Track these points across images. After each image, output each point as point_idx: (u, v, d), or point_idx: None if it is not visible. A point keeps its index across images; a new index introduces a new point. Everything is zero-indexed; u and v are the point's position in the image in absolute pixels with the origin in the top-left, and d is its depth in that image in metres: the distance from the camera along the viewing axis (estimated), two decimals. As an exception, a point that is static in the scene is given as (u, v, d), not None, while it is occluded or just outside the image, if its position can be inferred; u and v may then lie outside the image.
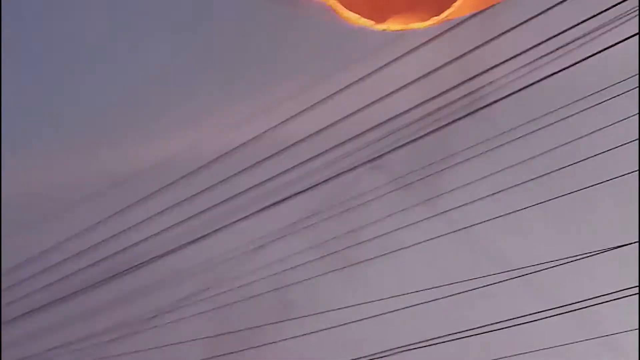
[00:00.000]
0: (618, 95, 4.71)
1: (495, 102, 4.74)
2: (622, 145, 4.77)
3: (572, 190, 4.98)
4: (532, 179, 5.17)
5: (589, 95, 4.78)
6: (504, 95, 4.98)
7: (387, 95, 5.01)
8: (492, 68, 4.63)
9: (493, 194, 5.45)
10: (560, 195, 5.10)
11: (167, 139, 6.23)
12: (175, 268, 6.42)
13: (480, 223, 5.57)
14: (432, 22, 2.41)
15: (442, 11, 2.37)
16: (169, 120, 6.23)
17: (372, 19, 2.44)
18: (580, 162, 4.93)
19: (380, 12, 2.40)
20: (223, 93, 5.89)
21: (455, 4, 2.33)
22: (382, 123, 5.47)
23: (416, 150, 5.59)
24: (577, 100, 4.79)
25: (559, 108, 4.90)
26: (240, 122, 5.79)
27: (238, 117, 5.78)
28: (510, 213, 5.46)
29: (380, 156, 5.61)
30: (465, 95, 4.77)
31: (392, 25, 2.43)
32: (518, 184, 5.35)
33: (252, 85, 5.87)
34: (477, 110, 5.01)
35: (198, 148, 6.04)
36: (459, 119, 5.15)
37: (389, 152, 5.59)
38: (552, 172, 5.07)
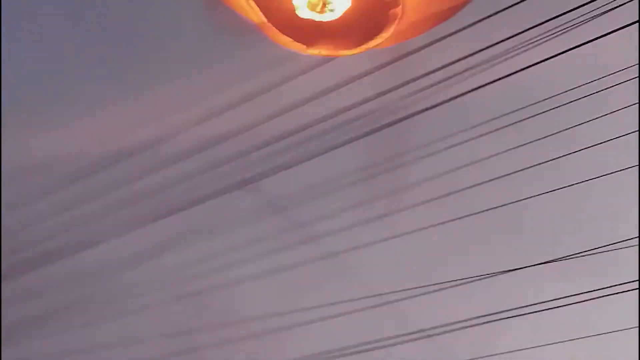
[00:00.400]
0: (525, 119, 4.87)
1: (382, 127, 4.85)
2: (515, 172, 4.96)
3: (452, 219, 5.17)
4: (410, 207, 5.34)
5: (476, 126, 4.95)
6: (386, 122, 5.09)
7: (280, 113, 5.06)
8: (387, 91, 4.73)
9: (368, 221, 5.62)
10: (437, 223, 5.29)
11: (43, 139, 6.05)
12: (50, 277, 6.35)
13: (353, 249, 5.73)
14: (359, 50, 2.58)
15: (370, 40, 2.55)
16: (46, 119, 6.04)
17: (303, 44, 2.60)
18: (466, 190, 5.11)
19: (311, 37, 2.56)
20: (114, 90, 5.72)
21: (382, 35, 2.51)
22: (266, 144, 5.51)
23: (296, 173, 5.66)
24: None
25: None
26: (129, 125, 5.71)
27: (127, 119, 5.68)
28: (383, 240, 5.63)
29: (258, 178, 5.68)
30: (355, 119, 4.88)
31: (322, 50, 2.59)
32: (393, 213, 5.52)
33: (138, 88, 5.74)
34: (360, 137, 5.11)
35: (75, 151, 5.94)
36: (344, 143, 5.26)
37: (267, 174, 5.67)
38: (432, 199, 5.24)
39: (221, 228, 5.96)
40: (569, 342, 5.25)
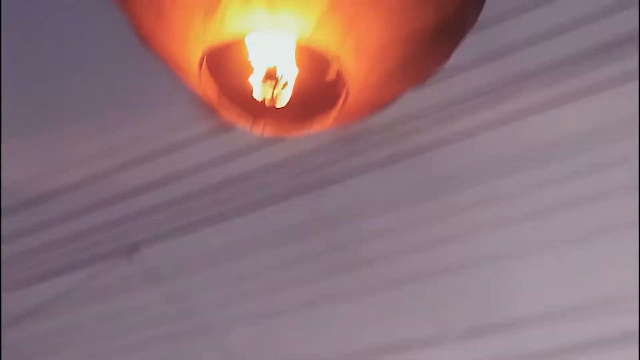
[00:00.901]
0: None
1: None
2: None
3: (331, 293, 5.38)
4: (292, 281, 5.52)
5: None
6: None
7: (174, 177, 5.12)
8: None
9: (245, 295, 5.78)
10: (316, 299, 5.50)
11: None
12: None
13: (227, 322, 5.87)
14: (300, 133, 2.81)
15: (312, 124, 2.80)
16: None
17: (250, 123, 2.82)
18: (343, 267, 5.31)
19: (257, 118, 2.79)
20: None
21: (323, 121, 2.75)
22: (152, 209, 5.56)
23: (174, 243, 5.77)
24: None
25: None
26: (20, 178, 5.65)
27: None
28: (258, 316, 5.80)
29: (137, 246, 5.75)
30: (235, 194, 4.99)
31: (266, 130, 2.81)
32: (272, 289, 5.70)
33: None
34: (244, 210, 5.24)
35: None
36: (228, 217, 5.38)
37: (149, 242, 5.75)
38: (313, 276, 5.44)
39: (98, 295, 6.02)
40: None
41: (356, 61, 2.68)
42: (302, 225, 5.46)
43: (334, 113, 2.77)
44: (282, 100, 2.72)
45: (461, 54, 2.92)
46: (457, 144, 4.90)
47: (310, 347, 5.78)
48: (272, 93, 2.70)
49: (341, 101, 2.72)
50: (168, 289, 5.73)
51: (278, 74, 2.68)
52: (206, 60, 2.68)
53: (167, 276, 5.75)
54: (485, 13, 2.88)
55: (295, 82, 2.74)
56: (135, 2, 2.76)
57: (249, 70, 2.72)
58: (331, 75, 2.70)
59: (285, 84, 2.71)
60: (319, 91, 2.76)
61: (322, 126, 2.82)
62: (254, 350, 5.86)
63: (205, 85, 2.71)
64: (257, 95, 2.71)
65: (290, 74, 2.70)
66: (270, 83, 2.70)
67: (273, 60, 2.69)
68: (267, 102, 2.71)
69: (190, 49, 2.68)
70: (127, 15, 2.81)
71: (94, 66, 5.08)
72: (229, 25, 2.61)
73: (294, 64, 2.70)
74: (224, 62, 2.73)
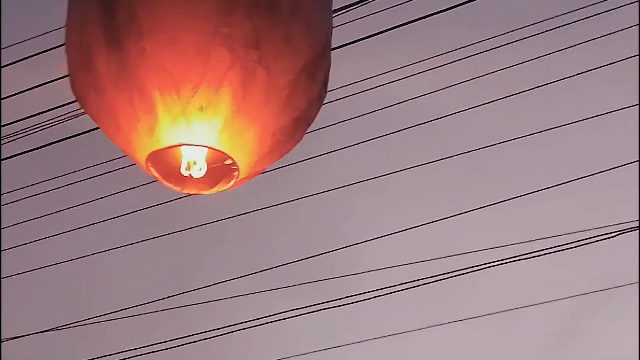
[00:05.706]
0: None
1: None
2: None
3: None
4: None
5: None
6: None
7: None
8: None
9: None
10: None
11: None
12: None
13: None
14: (214, 190, 4.57)
15: (220, 185, 4.57)
16: None
17: (180, 188, 4.57)
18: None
19: (184, 184, 4.56)
20: None
21: (228, 184, 4.52)
22: None
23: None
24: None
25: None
26: None
27: None
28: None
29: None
30: None
31: (190, 191, 4.57)
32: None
33: None
34: None
35: None
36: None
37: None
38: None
39: None
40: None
41: (244, 151, 4.46)
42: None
43: (232, 180, 4.56)
44: (198, 175, 4.51)
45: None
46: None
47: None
48: (192, 172, 4.49)
49: (236, 174, 4.51)
50: None
51: (195, 165, 4.46)
52: (150, 158, 4.43)
53: None
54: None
55: (206, 164, 4.52)
56: (101, 119, 4.47)
57: (179, 160, 4.50)
58: (228, 161, 4.48)
59: (200, 169, 4.50)
60: (222, 168, 4.54)
61: (224, 188, 4.57)
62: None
63: (151, 172, 4.48)
64: (184, 173, 4.50)
65: (202, 161, 4.48)
66: (190, 168, 4.49)
67: (192, 156, 4.46)
68: (189, 176, 4.51)
69: (140, 152, 4.43)
70: (98, 125, 4.53)
71: None
72: (162, 139, 4.35)
73: (205, 155, 4.47)
74: (164, 156, 4.49)
